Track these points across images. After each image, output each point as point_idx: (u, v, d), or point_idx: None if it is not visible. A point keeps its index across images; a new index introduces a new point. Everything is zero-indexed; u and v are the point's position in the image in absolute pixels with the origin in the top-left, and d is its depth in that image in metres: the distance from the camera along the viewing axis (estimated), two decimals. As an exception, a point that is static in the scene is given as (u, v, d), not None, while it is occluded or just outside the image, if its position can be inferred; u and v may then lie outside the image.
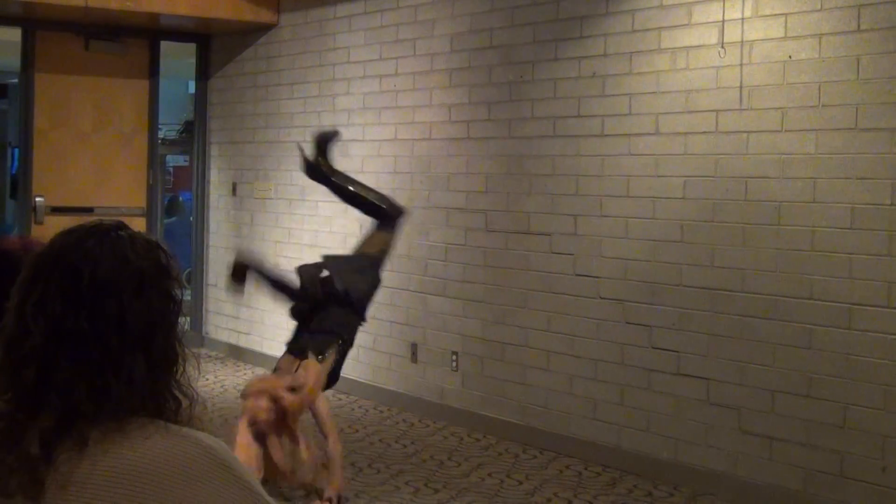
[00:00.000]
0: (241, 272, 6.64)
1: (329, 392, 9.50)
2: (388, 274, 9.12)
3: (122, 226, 1.86)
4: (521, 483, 6.96)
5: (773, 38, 6.44)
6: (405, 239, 8.94)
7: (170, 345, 1.82)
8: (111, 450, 1.73)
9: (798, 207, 6.29)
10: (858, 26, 6.04)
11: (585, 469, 7.25)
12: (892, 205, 5.88)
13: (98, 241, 1.81)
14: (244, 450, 5.56)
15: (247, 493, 1.78)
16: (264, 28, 10.63)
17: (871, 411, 5.97)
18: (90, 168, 11.05)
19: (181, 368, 1.84)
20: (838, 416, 6.12)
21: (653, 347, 7.05)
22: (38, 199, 10.76)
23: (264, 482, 5.45)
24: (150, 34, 11.19)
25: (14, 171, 13.80)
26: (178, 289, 1.86)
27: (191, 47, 11.59)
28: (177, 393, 1.82)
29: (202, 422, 1.85)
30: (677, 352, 6.93)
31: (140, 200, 11.27)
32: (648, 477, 6.99)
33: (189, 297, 11.71)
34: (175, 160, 16.02)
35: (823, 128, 6.19)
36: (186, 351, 1.86)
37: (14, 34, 10.72)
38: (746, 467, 6.56)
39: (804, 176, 6.28)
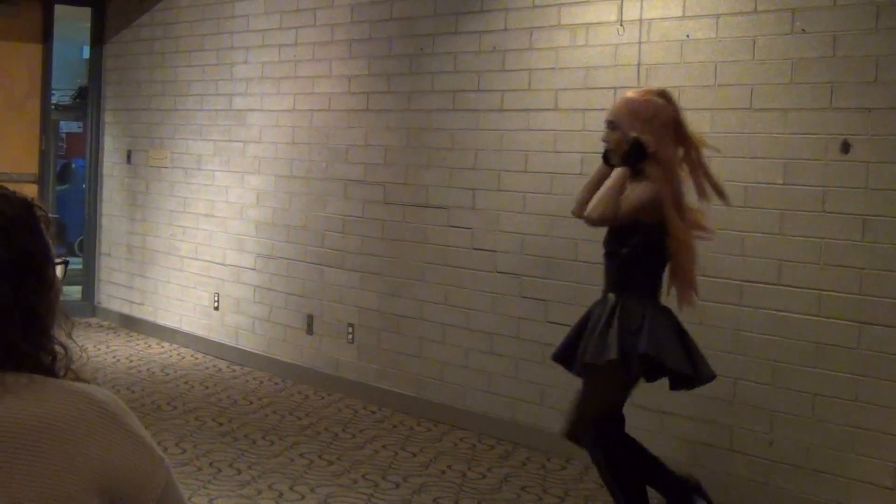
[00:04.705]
0: None
1: (224, 363, 9.45)
2: (285, 245, 9.09)
3: None
4: (415, 455, 6.98)
5: (671, 17, 6.50)
6: (302, 210, 8.91)
7: (44, 290, 1.81)
8: (2, 407, 1.71)
9: (692, 185, 6.36)
10: (755, 7, 6.12)
11: (479, 441, 7.29)
12: (783, 184, 5.98)
13: None
14: None
15: (139, 446, 1.79)
16: (162, -6, 10.47)
17: (760, 386, 6.08)
18: (-20, 133, 10.83)
19: (55, 320, 1.84)
20: (728, 391, 6.22)
21: (548, 322, 7.10)
22: (-75, 163, 10.52)
23: None
24: (44, -3, 10.98)
25: None
26: (46, 236, 1.85)
27: (86, 11, 11.38)
28: (51, 345, 1.82)
29: (82, 374, 1.85)
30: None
31: (32, 167, 11.06)
32: (542, 450, 7.05)
33: (81, 266, 11.55)
34: (68, 126, 15.76)
35: (719, 107, 6.27)
36: (60, 304, 1.86)
37: None
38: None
39: (699, 154, 6.36)
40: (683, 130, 5.32)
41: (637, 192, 5.22)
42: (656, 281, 5.36)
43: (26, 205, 1.84)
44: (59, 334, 1.85)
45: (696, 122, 6.32)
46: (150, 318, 10.64)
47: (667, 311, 5.35)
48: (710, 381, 5.42)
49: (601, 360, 5.23)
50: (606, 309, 5.30)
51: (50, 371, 1.80)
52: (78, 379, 1.83)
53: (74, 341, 1.88)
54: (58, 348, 1.83)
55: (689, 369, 5.28)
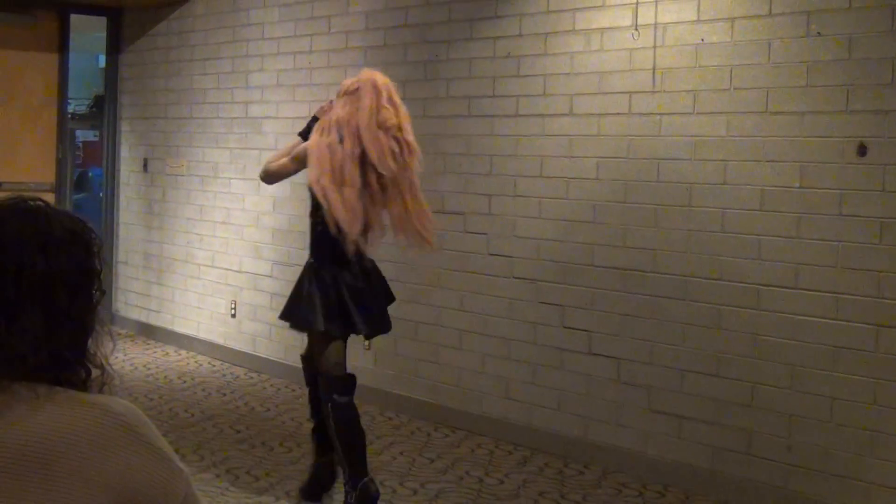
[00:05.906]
0: None
1: (242, 370, 9.47)
2: (301, 252, 9.09)
3: (40, 199, 1.88)
4: (432, 461, 6.97)
5: (685, 21, 6.50)
6: (319, 217, 8.91)
7: (75, 307, 1.81)
8: (14, 420, 1.70)
9: (709, 189, 6.37)
10: (770, 10, 6.12)
11: (497, 447, 7.28)
12: (800, 187, 5.97)
13: (10, 208, 1.83)
14: None
15: (158, 459, 1.77)
16: (177, 2, 10.49)
17: (778, 390, 6.07)
18: (-3, 142, 10.87)
19: (91, 337, 1.83)
20: (746, 395, 6.21)
21: (564, 327, 7.10)
22: (-57, 173, 10.56)
23: None
24: (60, 6, 11.00)
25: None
26: (91, 258, 1.86)
27: (101, 20, 11.42)
28: (87, 362, 1.81)
29: (111, 389, 1.84)
30: (588, 331, 6.98)
31: (49, 175, 11.09)
32: (559, 455, 7.05)
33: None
34: (85, 135, 15.83)
35: (734, 111, 6.26)
36: (100, 321, 1.85)
37: (-81, 4, 10.50)
38: (656, 446, 6.64)
39: (715, 158, 6.36)
40: (366, 101, 6.03)
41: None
42: (325, 250, 6.24)
43: (68, 221, 1.86)
44: (96, 350, 1.85)
45: (713, 126, 6.33)
46: (168, 326, 10.66)
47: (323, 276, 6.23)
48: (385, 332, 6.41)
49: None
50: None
51: (82, 386, 1.80)
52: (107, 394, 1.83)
53: (107, 360, 1.87)
54: (93, 368, 1.83)
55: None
